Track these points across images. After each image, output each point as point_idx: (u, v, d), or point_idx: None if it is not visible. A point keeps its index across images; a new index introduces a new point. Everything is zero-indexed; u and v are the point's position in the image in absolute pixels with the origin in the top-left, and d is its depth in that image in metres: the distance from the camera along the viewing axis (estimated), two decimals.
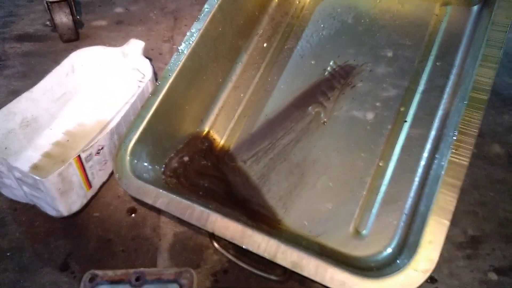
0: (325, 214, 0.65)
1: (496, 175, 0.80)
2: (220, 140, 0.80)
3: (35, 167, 0.80)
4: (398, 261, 0.54)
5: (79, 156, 0.69)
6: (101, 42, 1.17)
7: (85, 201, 0.75)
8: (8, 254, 0.71)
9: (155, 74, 0.97)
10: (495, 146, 0.86)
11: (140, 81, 0.95)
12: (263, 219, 0.68)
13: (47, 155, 0.83)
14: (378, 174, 0.67)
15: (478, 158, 0.83)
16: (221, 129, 0.81)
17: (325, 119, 0.75)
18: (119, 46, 0.98)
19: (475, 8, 0.78)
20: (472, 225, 0.73)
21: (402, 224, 0.61)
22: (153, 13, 1.28)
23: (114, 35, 1.20)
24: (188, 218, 0.60)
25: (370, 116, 0.73)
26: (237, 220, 0.59)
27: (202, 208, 0.59)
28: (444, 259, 0.68)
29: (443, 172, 0.52)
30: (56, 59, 1.10)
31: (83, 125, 0.89)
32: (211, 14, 0.80)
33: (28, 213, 0.76)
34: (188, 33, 0.79)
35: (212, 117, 0.83)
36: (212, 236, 0.62)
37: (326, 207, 0.66)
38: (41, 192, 0.67)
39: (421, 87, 0.72)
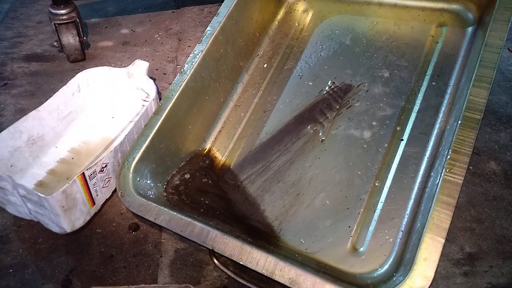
0: (322, 231, 0.66)
1: (492, 192, 0.81)
2: (221, 158, 0.82)
3: (40, 184, 0.82)
4: (394, 278, 0.55)
5: (83, 174, 0.71)
6: (107, 62, 1.21)
7: (88, 218, 0.77)
8: (10, 271, 0.72)
9: (159, 93, 0.99)
10: (492, 164, 0.87)
11: (145, 100, 0.98)
12: (262, 235, 0.69)
13: (52, 172, 0.85)
14: (375, 192, 0.68)
15: (475, 175, 0.84)
16: (222, 147, 0.83)
17: (324, 138, 0.77)
18: (124, 66, 1.01)
19: (470, 29, 0.80)
20: (469, 242, 0.73)
21: (398, 241, 0.62)
22: (158, 34, 1.32)
23: (119, 55, 1.23)
24: (189, 235, 0.61)
25: (367, 134, 0.74)
26: (236, 237, 0.60)
27: (202, 225, 0.61)
28: (441, 276, 0.69)
29: (437, 190, 0.53)
30: (63, 78, 1.13)
31: (88, 143, 0.91)
32: (213, 36, 0.83)
33: (32, 229, 0.77)
34: (191, 54, 0.82)
35: (213, 136, 0.85)
36: (212, 252, 0.63)
37: (324, 224, 0.67)
38: (45, 209, 0.69)
39: (417, 107, 0.74)
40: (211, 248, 0.60)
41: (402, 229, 0.63)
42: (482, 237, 0.74)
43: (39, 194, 0.66)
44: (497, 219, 0.77)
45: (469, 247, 0.73)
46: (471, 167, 0.86)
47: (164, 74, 1.16)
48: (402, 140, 0.71)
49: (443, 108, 0.72)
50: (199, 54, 0.81)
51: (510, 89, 1.05)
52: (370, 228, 0.65)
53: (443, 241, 0.50)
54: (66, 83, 0.93)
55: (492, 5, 0.70)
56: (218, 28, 0.83)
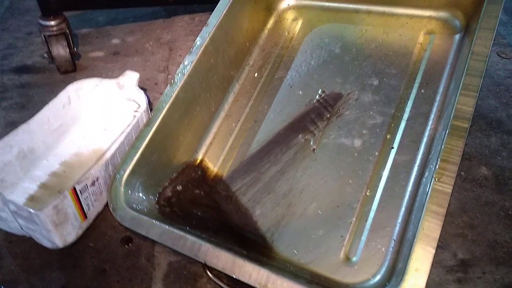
0: (315, 241, 0.66)
1: (484, 198, 0.82)
2: (213, 168, 0.81)
3: (31, 199, 0.82)
4: None
5: (74, 188, 0.71)
6: (98, 73, 1.20)
7: (80, 232, 0.76)
8: (2, 287, 0.71)
9: (150, 104, 0.99)
10: (483, 169, 0.87)
11: (135, 111, 0.97)
12: (255, 247, 0.68)
13: (43, 186, 0.84)
14: (367, 201, 0.68)
15: (466, 180, 0.85)
16: (214, 158, 0.83)
17: (315, 147, 0.77)
18: (115, 76, 1.00)
19: (457, 36, 0.81)
20: (461, 248, 0.74)
21: (390, 250, 0.62)
22: (149, 44, 1.32)
23: (110, 65, 1.23)
24: (181, 248, 0.61)
25: (357, 143, 0.74)
26: (229, 249, 0.60)
27: (194, 239, 0.61)
28: (435, 283, 0.69)
29: (427, 200, 0.54)
30: (53, 90, 1.13)
31: (79, 156, 0.91)
32: (203, 47, 0.83)
33: (24, 245, 0.77)
34: (181, 65, 0.82)
35: (205, 146, 0.85)
36: (206, 265, 0.63)
37: (316, 234, 0.67)
38: (36, 224, 0.68)
39: (406, 114, 0.74)
40: (203, 262, 0.59)
41: (394, 238, 0.63)
42: (474, 243, 0.75)
43: (29, 209, 0.66)
44: (489, 225, 0.77)
45: (462, 253, 0.73)
46: (462, 173, 0.86)
47: (156, 84, 1.16)
48: (393, 148, 0.72)
49: (432, 116, 0.72)
50: (189, 65, 0.81)
51: (500, 93, 1.06)
52: (362, 238, 0.65)
53: (433, 251, 0.50)
54: (57, 95, 0.93)
55: (478, 13, 0.71)
56: (208, 38, 0.84)
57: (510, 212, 0.79)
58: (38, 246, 0.75)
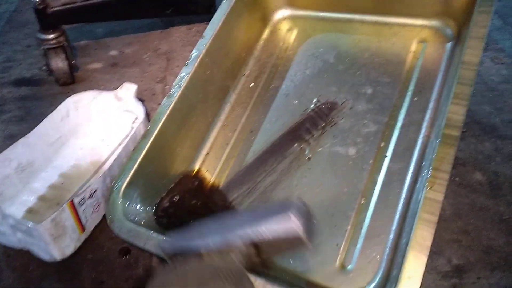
0: (311, 250, 0.67)
1: (478, 203, 0.82)
2: (210, 178, 0.82)
3: (30, 211, 0.82)
4: None
5: (72, 201, 0.72)
6: (96, 84, 1.22)
7: (78, 244, 0.77)
8: None
9: (148, 115, 1.00)
10: (477, 174, 0.88)
11: (133, 122, 0.99)
12: None
13: (42, 198, 0.85)
14: (362, 209, 0.69)
15: (461, 186, 0.86)
16: (211, 168, 0.83)
17: (310, 155, 0.78)
18: (114, 88, 1.02)
19: (449, 44, 0.82)
20: (456, 254, 0.74)
21: (385, 258, 0.62)
22: (147, 55, 1.33)
23: (109, 77, 1.25)
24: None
25: (352, 151, 0.75)
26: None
27: None
28: None
29: (419, 208, 0.54)
30: (52, 102, 1.14)
31: (77, 167, 0.92)
32: (199, 58, 0.84)
33: (22, 258, 0.77)
34: (178, 77, 0.83)
35: (202, 156, 0.85)
36: None
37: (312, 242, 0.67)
38: (34, 237, 0.69)
39: (399, 122, 0.75)
40: None
41: (389, 245, 0.63)
42: (469, 248, 0.75)
43: (28, 223, 0.67)
44: (484, 230, 0.78)
45: (457, 259, 0.74)
46: (457, 178, 0.87)
47: (153, 94, 1.17)
48: (386, 156, 0.73)
49: (425, 124, 0.73)
50: (186, 76, 0.82)
51: (493, 99, 1.07)
52: (357, 246, 0.65)
53: (426, 259, 0.51)
54: (56, 108, 0.94)
55: (468, 22, 0.72)
56: (204, 50, 0.85)
57: (504, 218, 0.80)
58: (36, 259, 0.75)
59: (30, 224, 0.66)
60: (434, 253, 0.74)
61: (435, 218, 0.52)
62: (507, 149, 0.93)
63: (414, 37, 0.85)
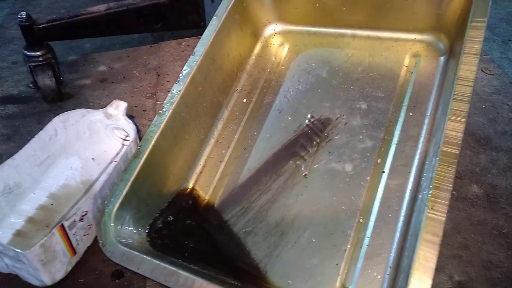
0: (310, 270, 0.65)
1: (476, 217, 0.82)
2: (205, 196, 0.80)
3: (18, 234, 0.79)
4: None
5: (62, 225, 0.69)
6: (85, 101, 1.19)
7: (69, 268, 0.74)
8: None
9: (139, 131, 0.98)
10: (474, 187, 0.88)
11: (124, 140, 0.97)
12: (249, 278, 0.67)
13: (30, 220, 0.82)
14: (361, 227, 0.67)
15: (458, 200, 0.85)
16: (204, 186, 0.82)
17: (306, 172, 0.76)
18: (103, 104, 1.00)
19: (442, 58, 0.82)
20: (457, 270, 0.73)
21: (387, 277, 0.61)
22: (136, 70, 1.32)
23: (98, 93, 1.22)
24: (173, 285, 0.59)
25: (349, 168, 0.74)
26: (223, 283, 0.59)
27: (186, 274, 0.59)
28: None
29: (421, 229, 0.53)
30: (40, 120, 1.12)
31: (67, 187, 0.89)
32: (190, 76, 0.83)
33: (10, 283, 0.74)
34: (169, 94, 0.82)
35: (195, 174, 0.84)
36: None
37: (311, 263, 0.66)
38: (23, 264, 0.66)
39: (396, 138, 0.75)
40: None
41: (390, 264, 0.62)
42: (469, 264, 0.74)
43: (16, 249, 0.64)
44: (483, 245, 0.77)
45: (458, 275, 0.73)
46: (454, 192, 0.87)
47: (144, 110, 1.15)
48: (384, 172, 0.72)
49: (421, 139, 0.73)
50: (177, 94, 0.81)
51: (486, 110, 1.08)
52: (358, 265, 0.64)
53: (430, 281, 0.50)
54: (44, 125, 0.91)
55: (461, 36, 0.72)
56: (195, 67, 0.84)
57: (503, 231, 0.79)
58: (25, 284, 0.72)
59: (19, 250, 0.63)
60: (435, 269, 0.72)
61: (438, 239, 0.51)
62: (503, 161, 0.93)
63: (407, 52, 0.85)
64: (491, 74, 1.22)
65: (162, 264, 0.61)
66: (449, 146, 0.58)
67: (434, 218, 0.53)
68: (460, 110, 0.60)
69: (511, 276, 0.72)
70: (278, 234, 0.70)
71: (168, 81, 1.25)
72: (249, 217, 0.74)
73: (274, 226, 0.71)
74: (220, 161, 0.84)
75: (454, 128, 0.59)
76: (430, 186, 0.55)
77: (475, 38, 0.67)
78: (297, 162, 0.78)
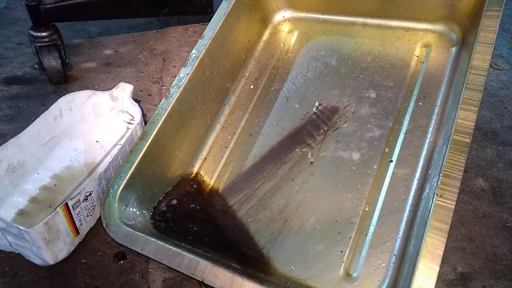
0: (314, 257, 0.65)
1: (482, 210, 0.81)
2: (209, 182, 0.80)
3: (20, 213, 0.79)
4: None
5: (66, 204, 0.69)
6: (90, 84, 1.18)
7: (72, 248, 0.74)
8: None
9: (144, 116, 0.98)
10: (479, 180, 0.87)
11: (129, 123, 0.96)
12: (252, 263, 0.67)
13: (34, 200, 0.82)
14: (366, 215, 0.67)
15: (464, 192, 0.85)
16: (209, 171, 0.81)
17: (312, 160, 0.76)
18: (108, 88, 0.99)
19: (454, 49, 0.81)
20: (461, 262, 0.73)
21: (391, 266, 0.61)
22: (142, 55, 1.31)
23: (103, 77, 1.22)
24: (177, 266, 0.59)
25: (356, 156, 0.74)
26: (227, 267, 0.59)
27: (191, 256, 0.59)
28: None
29: (430, 216, 0.53)
30: (44, 102, 1.11)
31: (71, 169, 0.89)
32: (198, 59, 0.82)
33: (13, 262, 0.74)
34: (176, 78, 0.81)
35: (200, 159, 0.83)
36: (203, 283, 0.61)
37: (315, 249, 0.66)
38: (26, 241, 0.66)
39: (404, 127, 0.74)
40: (201, 280, 0.58)
41: (395, 253, 0.62)
42: (473, 256, 0.74)
43: (19, 227, 0.64)
44: (488, 237, 0.77)
45: (461, 267, 0.72)
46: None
47: (149, 95, 1.14)
48: (391, 161, 0.71)
49: (430, 129, 0.72)
50: (185, 77, 0.80)
51: (494, 104, 1.07)
52: (362, 253, 0.64)
53: (438, 268, 0.49)
54: (48, 107, 0.91)
55: (475, 27, 0.71)
56: (204, 51, 0.83)
57: (508, 224, 0.79)
58: (28, 263, 0.72)
59: (22, 227, 0.63)
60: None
61: (446, 227, 0.51)
62: (509, 155, 0.92)
63: (418, 41, 0.84)
64: (499, 69, 1.21)
65: (166, 245, 0.61)
66: (461, 134, 0.57)
67: (443, 205, 0.52)
68: (472, 99, 0.59)
69: None
70: (282, 221, 0.70)
71: (174, 66, 1.24)
72: (252, 203, 0.74)
73: (278, 213, 0.71)
74: (226, 147, 0.84)
75: (466, 117, 0.58)
76: (440, 174, 0.54)
77: (489, 27, 0.66)
78: (304, 150, 0.78)
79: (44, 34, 1.09)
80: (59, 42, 1.12)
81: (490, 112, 1.04)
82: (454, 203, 0.52)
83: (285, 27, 0.98)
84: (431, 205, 0.53)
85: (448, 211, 0.52)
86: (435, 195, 0.53)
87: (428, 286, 0.49)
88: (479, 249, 0.75)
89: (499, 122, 1.01)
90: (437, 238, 0.51)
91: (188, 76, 0.80)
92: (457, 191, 0.53)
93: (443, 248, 0.50)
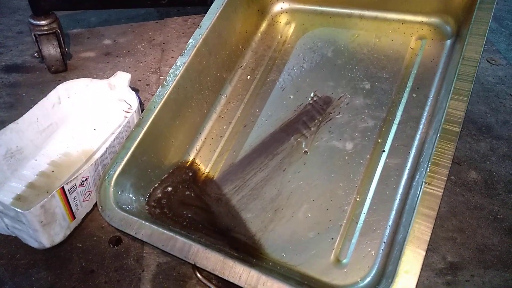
0: (305, 243, 0.66)
1: (473, 201, 0.82)
2: (204, 170, 0.81)
3: (18, 198, 0.80)
4: None
5: (62, 188, 0.70)
6: (88, 73, 1.19)
7: (68, 232, 0.75)
8: None
9: (141, 105, 0.99)
10: (472, 173, 0.88)
11: (127, 112, 0.97)
12: (245, 248, 0.68)
13: (31, 185, 0.83)
14: (357, 203, 0.68)
15: (456, 184, 0.86)
16: (205, 159, 0.82)
17: (306, 149, 0.77)
18: (106, 77, 1.00)
19: (448, 42, 0.82)
20: (451, 251, 0.74)
21: (381, 253, 0.62)
22: (141, 45, 1.31)
23: (102, 66, 1.22)
24: (170, 249, 0.60)
25: (349, 146, 0.75)
26: (219, 251, 0.60)
27: (184, 239, 0.60)
28: (424, 286, 0.69)
29: (418, 203, 0.54)
30: (43, 90, 1.12)
31: (68, 156, 0.90)
32: (195, 48, 0.83)
33: (9, 245, 0.76)
34: (173, 66, 0.82)
35: (196, 147, 0.84)
36: (195, 266, 0.62)
37: (307, 236, 0.67)
38: (23, 224, 0.67)
39: (397, 118, 0.75)
40: (193, 263, 0.59)
41: (385, 240, 0.63)
42: (463, 246, 0.75)
43: (16, 209, 0.65)
44: (478, 228, 0.78)
45: (451, 256, 0.74)
46: (452, 177, 0.87)
47: (147, 85, 1.15)
48: (384, 151, 0.72)
49: (423, 120, 0.73)
50: (182, 66, 0.81)
51: (489, 99, 1.08)
52: (353, 240, 0.65)
53: (424, 253, 0.50)
54: (47, 95, 0.92)
55: (468, 19, 0.72)
56: (201, 40, 0.83)
57: (498, 216, 0.80)
58: (24, 246, 0.73)
59: (19, 210, 0.64)
60: (429, 250, 0.73)
61: (434, 213, 0.52)
62: (502, 149, 0.93)
63: (413, 34, 0.85)
64: (496, 65, 1.21)
65: (160, 229, 0.62)
66: (450, 124, 0.58)
67: (431, 192, 0.53)
68: (463, 89, 0.60)
69: (504, 259, 0.73)
70: (273, 211, 0.71)
71: (173, 57, 1.25)
72: (243, 193, 0.74)
73: (270, 202, 0.72)
74: (221, 136, 0.85)
75: (456, 107, 0.59)
76: (429, 162, 0.55)
77: (482, 19, 0.67)
78: (298, 140, 0.79)
79: (43, 22, 1.10)
80: (59, 31, 1.13)
81: (485, 107, 1.05)
82: (442, 191, 0.53)
83: (283, 19, 0.98)
84: (419, 193, 0.54)
85: (435, 198, 0.53)
86: (424, 183, 0.54)
87: (414, 270, 0.50)
88: (470, 240, 0.76)
89: (494, 116, 1.02)
90: (424, 224, 0.52)
91: (185, 65, 0.81)
92: (445, 178, 0.54)
93: (429, 234, 0.51)
